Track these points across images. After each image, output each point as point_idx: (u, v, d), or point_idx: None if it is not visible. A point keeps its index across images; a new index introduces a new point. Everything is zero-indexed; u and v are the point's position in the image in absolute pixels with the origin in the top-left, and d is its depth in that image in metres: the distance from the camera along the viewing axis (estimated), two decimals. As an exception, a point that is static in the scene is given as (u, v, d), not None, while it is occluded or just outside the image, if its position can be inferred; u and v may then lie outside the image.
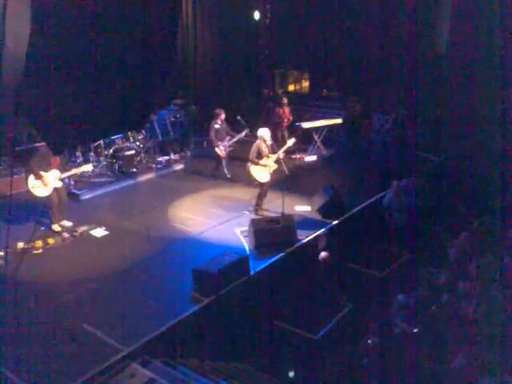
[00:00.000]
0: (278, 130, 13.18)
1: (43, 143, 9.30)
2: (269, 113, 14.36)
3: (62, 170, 9.47)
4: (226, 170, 11.98)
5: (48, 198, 9.20)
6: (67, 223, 9.55)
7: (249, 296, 7.56)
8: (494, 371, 4.58)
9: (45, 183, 9.10)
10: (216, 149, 11.80)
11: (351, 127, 14.93)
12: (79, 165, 10.75)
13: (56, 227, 9.34)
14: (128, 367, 5.90)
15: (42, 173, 9.08)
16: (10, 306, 6.49)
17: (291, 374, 6.70)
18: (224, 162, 12.00)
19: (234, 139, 12.04)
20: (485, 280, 6.46)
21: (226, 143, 11.89)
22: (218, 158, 11.95)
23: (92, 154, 11.94)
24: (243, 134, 12.05)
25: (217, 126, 11.80)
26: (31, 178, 9.08)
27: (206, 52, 16.33)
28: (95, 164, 11.44)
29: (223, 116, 11.83)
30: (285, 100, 13.76)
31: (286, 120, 13.56)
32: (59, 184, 9.34)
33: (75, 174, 10.43)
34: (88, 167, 10.16)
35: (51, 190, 9.18)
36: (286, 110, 13.69)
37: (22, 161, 10.08)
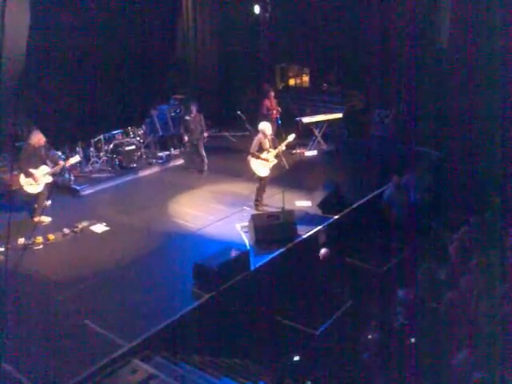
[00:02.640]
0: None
1: (30, 140, 9.27)
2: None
3: (51, 165, 9.48)
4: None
5: (38, 194, 9.20)
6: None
7: (249, 291, 7.57)
8: (493, 368, 4.58)
9: (36, 180, 9.09)
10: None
11: (351, 122, 14.92)
12: (67, 158, 10.49)
13: (45, 218, 9.37)
14: (129, 363, 5.91)
15: (31, 170, 9.06)
16: (10, 302, 6.49)
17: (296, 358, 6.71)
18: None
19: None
20: (485, 276, 6.46)
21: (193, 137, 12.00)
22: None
23: (92, 149, 11.94)
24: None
25: (187, 118, 12.09)
26: (22, 175, 9.07)
27: (206, 46, 16.28)
28: (82, 156, 11.32)
29: (195, 110, 11.98)
30: (271, 93, 13.69)
31: (274, 111, 13.46)
32: (50, 179, 9.35)
33: (69, 167, 10.40)
34: (75, 159, 9.99)
35: (43, 186, 9.19)
36: (273, 101, 13.61)
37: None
